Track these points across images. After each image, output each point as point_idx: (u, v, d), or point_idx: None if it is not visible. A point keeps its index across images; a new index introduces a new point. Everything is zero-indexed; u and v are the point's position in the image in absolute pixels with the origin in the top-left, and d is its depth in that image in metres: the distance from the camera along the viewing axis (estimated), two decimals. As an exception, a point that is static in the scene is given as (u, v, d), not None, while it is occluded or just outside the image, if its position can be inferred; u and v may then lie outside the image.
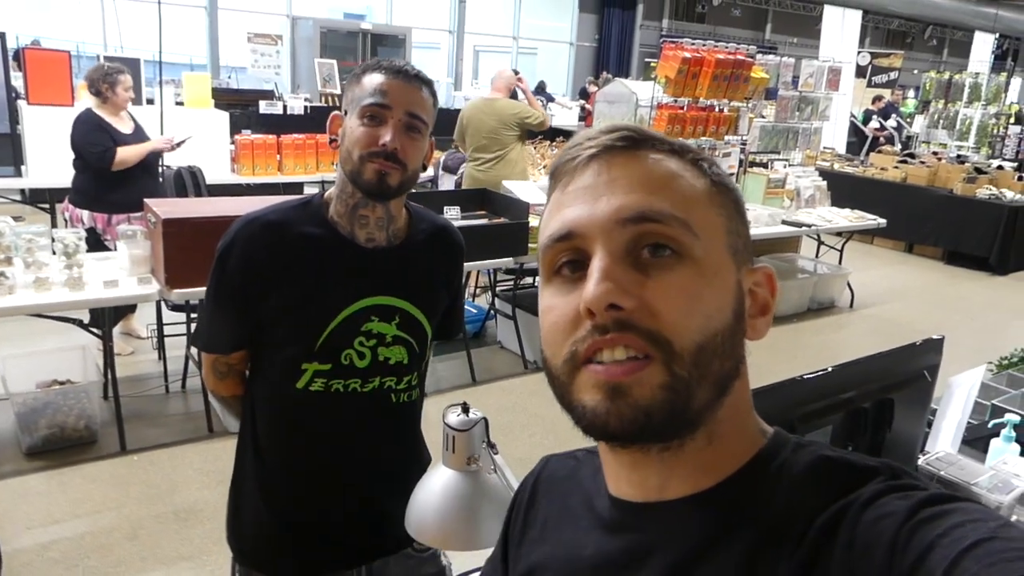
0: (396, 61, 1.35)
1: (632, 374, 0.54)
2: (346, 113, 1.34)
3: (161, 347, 4.11)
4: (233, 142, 6.10)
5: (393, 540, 1.47)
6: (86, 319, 3.52)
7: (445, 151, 7.08)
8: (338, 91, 9.98)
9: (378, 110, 1.29)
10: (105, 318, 3.41)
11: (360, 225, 1.38)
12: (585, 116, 12.35)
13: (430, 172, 6.77)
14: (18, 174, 5.36)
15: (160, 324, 4.08)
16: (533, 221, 4.15)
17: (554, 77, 14.66)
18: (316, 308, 1.35)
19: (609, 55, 15.94)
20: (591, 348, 0.55)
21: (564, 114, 12.84)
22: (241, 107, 8.48)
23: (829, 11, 12.31)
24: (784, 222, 5.89)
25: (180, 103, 6.61)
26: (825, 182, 6.72)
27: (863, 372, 1.69)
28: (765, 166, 6.87)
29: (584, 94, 13.59)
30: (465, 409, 1.13)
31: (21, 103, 5.52)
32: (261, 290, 1.34)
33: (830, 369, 1.68)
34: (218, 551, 2.64)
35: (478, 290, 5.57)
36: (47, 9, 14.05)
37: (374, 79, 1.31)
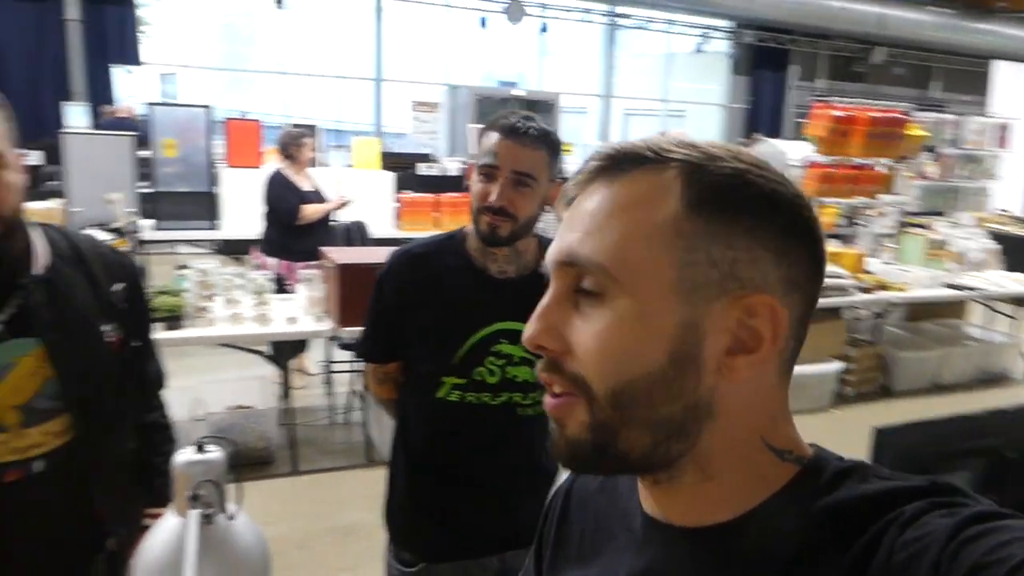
0: (514, 117, 1.47)
1: (562, 409, 0.57)
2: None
3: (329, 382, 4.51)
4: (397, 200, 6.62)
5: (523, 535, 1.62)
6: (268, 353, 3.97)
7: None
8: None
9: (489, 170, 1.47)
10: (285, 352, 3.83)
11: (492, 259, 1.57)
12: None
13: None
14: (214, 227, 6.08)
15: (329, 361, 4.48)
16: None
17: (703, 139, 14.70)
18: (453, 329, 1.56)
19: (761, 116, 15.79)
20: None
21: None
22: (402, 168, 9.15)
23: (1000, 66, 11.67)
24: (946, 285, 5.60)
25: (349, 166, 7.26)
26: (999, 246, 6.33)
27: (1014, 420, 1.66)
28: (925, 227, 6.59)
29: (733, 155, 13.51)
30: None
31: (220, 166, 6.30)
32: (409, 311, 1.58)
33: (976, 412, 1.66)
34: (373, 566, 2.86)
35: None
36: (240, 87, 15.77)
37: (490, 139, 1.47)
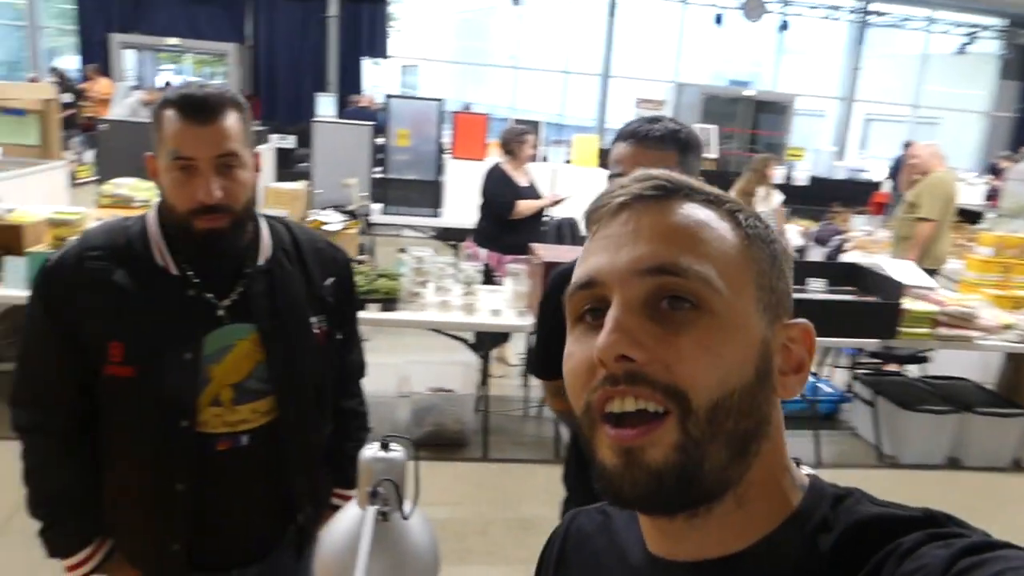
0: (638, 122, 1.45)
1: (644, 436, 0.53)
2: None
3: (526, 374, 4.62)
4: (610, 199, 6.62)
5: None
6: (471, 341, 4.13)
7: (820, 221, 6.82)
8: (715, 155, 10.20)
9: (617, 178, 1.44)
10: (487, 342, 3.96)
11: None
12: (991, 195, 10.92)
13: (799, 241, 6.59)
14: (435, 215, 6.44)
15: (528, 354, 4.58)
16: (907, 303, 3.85)
17: (958, 150, 13.20)
18: None
19: (1032, 127, 13.89)
20: (601, 398, 0.55)
21: (967, 192, 11.47)
22: (621, 167, 9.11)
23: None
24: None
25: (568, 162, 7.36)
26: None
27: None
28: None
29: (994, 170, 12.02)
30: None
31: (446, 157, 6.65)
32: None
33: None
34: (549, 565, 2.91)
35: (833, 369, 5.26)
36: (469, 78, 16.50)
37: (616, 148, 1.47)
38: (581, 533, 0.74)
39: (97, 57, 11.51)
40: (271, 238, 1.40)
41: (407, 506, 1.01)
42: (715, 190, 0.60)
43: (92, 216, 4.01)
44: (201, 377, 1.30)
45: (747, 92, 12.85)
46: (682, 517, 0.57)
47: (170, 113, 1.22)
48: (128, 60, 12.30)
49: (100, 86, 11.62)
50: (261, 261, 1.36)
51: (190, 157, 1.21)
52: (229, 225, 1.27)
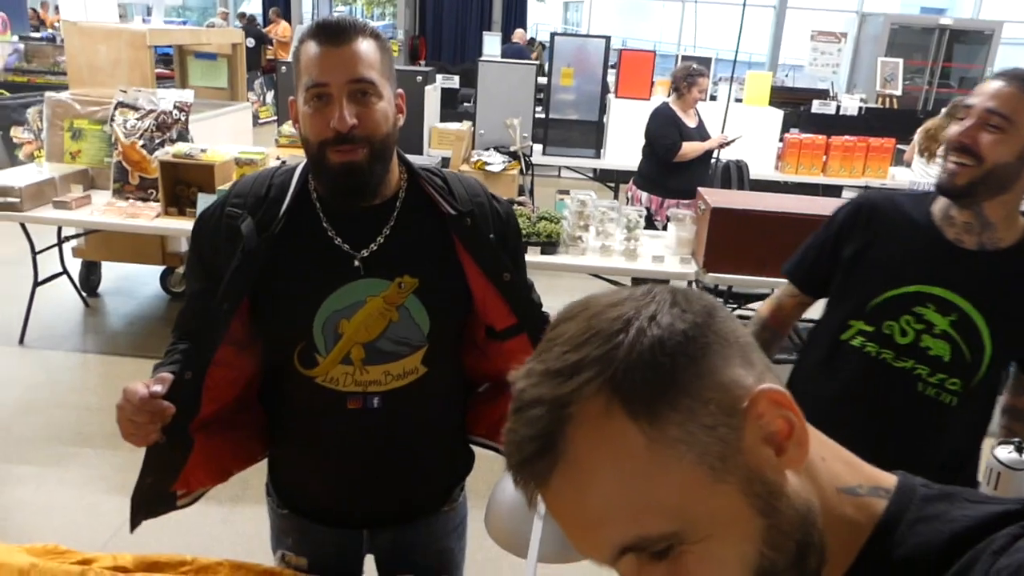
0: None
1: None
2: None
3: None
4: (782, 140, 6.21)
5: None
6: (629, 286, 4.06)
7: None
8: (898, 92, 9.32)
9: (965, 109, 1.41)
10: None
11: (949, 224, 1.47)
12: None
13: None
14: (597, 156, 6.32)
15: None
16: None
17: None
18: (883, 273, 1.50)
19: None
20: None
21: None
22: (793, 105, 8.52)
23: None
24: None
25: (739, 100, 6.95)
26: None
27: None
28: None
29: None
30: (1019, 448, 1.05)
31: (609, 96, 6.47)
32: (844, 245, 1.58)
33: None
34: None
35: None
36: (635, 13, 15.92)
37: (986, 86, 1.40)
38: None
39: (278, 0, 12.11)
40: (420, 189, 1.29)
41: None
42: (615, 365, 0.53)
43: (272, 155, 4.26)
44: (328, 331, 1.24)
45: (942, 21, 11.56)
46: None
47: (306, 44, 1.17)
48: (306, 2, 12.86)
49: (281, 29, 12.27)
50: (405, 211, 1.27)
51: (323, 83, 1.14)
52: (366, 160, 1.17)
